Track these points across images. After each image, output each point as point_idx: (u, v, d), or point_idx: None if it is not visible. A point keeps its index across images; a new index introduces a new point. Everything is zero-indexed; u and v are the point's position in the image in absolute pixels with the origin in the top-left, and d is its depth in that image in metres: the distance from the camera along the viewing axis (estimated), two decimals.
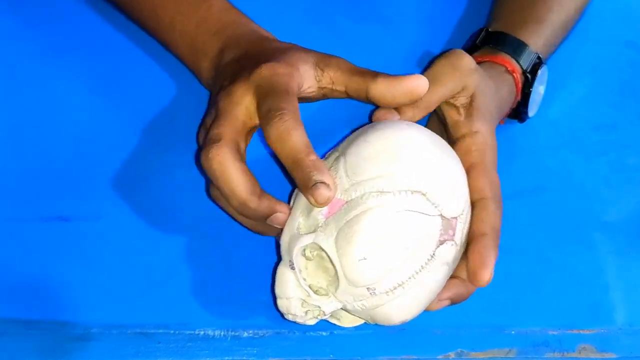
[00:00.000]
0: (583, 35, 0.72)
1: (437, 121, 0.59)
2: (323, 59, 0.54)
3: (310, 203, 0.48)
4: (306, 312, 0.50)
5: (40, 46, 0.65)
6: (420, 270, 0.48)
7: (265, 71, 0.51)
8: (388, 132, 0.50)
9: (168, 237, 0.58)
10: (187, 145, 0.61)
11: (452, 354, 0.56)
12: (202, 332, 0.55)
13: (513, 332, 0.57)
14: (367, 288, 0.47)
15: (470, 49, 0.63)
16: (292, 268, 0.49)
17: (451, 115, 0.56)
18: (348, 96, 0.54)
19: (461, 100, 0.56)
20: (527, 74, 0.62)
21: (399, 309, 0.49)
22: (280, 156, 0.48)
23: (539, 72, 0.63)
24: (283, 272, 0.50)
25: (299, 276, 0.49)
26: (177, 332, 0.54)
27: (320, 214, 0.48)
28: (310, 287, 0.49)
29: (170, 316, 0.55)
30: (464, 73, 0.55)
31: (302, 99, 0.54)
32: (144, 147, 0.61)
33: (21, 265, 0.56)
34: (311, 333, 0.55)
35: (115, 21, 0.66)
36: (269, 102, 0.49)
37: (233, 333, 0.55)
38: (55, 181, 0.59)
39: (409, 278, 0.48)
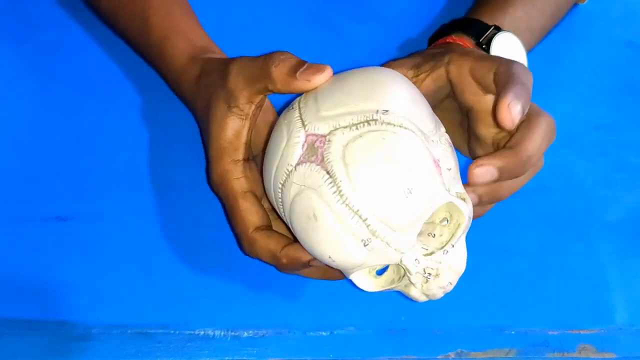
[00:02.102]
0: (583, 35, 0.72)
1: (451, 115, 0.58)
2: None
3: None
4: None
5: (39, 47, 0.65)
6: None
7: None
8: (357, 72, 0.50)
9: (168, 237, 0.58)
10: (187, 145, 0.61)
11: (452, 354, 0.56)
12: (202, 332, 0.55)
13: (513, 332, 0.57)
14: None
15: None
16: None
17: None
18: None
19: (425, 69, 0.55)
20: (483, 45, 0.61)
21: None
22: None
23: (494, 39, 0.60)
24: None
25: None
26: (177, 332, 0.54)
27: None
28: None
29: (170, 316, 0.55)
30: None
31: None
32: (143, 147, 0.61)
33: (21, 265, 0.56)
34: (311, 333, 0.55)
35: None
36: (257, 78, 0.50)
37: (233, 333, 0.55)
38: (55, 181, 0.59)
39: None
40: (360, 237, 0.45)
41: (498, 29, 0.61)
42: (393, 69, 0.55)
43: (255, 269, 0.57)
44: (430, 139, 0.47)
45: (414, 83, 0.54)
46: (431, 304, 0.56)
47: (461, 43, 0.60)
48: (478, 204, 0.51)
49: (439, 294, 0.49)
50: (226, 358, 0.54)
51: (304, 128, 0.47)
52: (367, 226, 0.45)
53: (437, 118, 0.51)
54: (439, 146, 0.48)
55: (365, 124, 0.45)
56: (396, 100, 0.47)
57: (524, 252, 0.60)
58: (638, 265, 0.62)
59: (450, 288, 0.49)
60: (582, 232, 0.62)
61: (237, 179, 0.51)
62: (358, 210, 0.44)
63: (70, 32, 0.66)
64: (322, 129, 0.46)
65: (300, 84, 0.49)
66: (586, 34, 0.72)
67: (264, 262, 0.51)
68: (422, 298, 0.50)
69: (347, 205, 0.44)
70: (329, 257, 0.46)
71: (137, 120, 0.62)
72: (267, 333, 0.55)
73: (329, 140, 0.46)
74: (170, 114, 0.62)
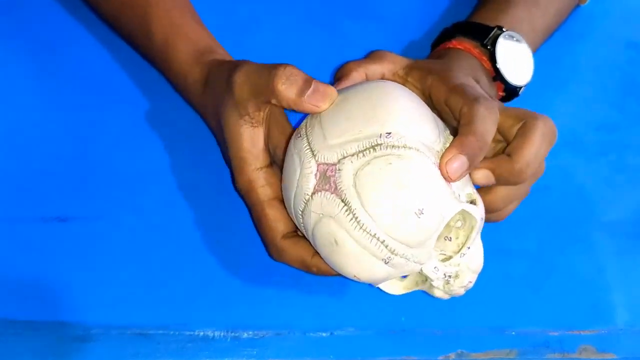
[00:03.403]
0: (583, 35, 0.72)
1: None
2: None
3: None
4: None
5: (38, 46, 0.65)
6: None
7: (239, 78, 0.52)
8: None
9: (168, 237, 0.58)
10: (187, 146, 0.61)
11: (452, 355, 0.56)
12: (202, 333, 0.55)
13: (513, 332, 0.57)
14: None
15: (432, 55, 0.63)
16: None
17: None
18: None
19: (400, 73, 0.56)
20: (488, 47, 0.60)
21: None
22: None
23: (499, 39, 0.60)
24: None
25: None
26: (176, 333, 0.54)
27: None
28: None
29: (170, 317, 0.55)
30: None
31: None
32: (143, 147, 0.61)
33: (21, 265, 0.56)
34: (311, 334, 0.55)
35: None
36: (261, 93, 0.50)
37: (233, 334, 0.55)
38: (55, 181, 0.59)
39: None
40: (380, 257, 0.47)
41: (501, 29, 0.61)
42: (388, 60, 0.57)
43: (255, 269, 0.57)
44: (435, 149, 0.48)
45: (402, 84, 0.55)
46: (431, 304, 0.56)
47: (462, 48, 0.60)
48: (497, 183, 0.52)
49: (460, 292, 0.51)
50: (226, 359, 0.54)
51: (314, 158, 0.48)
52: (386, 247, 0.47)
53: (439, 120, 0.51)
54: None
55: (371, 149, 0.47)
56: (397, 119, 0.48)
57: (524, 252, 0.60)
58: (638, 265, 0.62)
59: (470, 285, 0.51)
60: (582, 232, 0.62)
61: (262, 187, 0.52)
62: (375, 234, 0.47)
63: (71, 30, 0.66)
64: (331, 157, 0.48)
65: (308, 107, 0.50)
66: (586, 34, 0.72)
67: (292, 267, 0.53)
68: (446, 297, 0.52)
69: (364, 230, 0.47)
70: (354, 276, 0.49)
71: (137, 119, 0.62)
72: (267, 334, 0.55)
73: (339, 169, 0.47)
74: (171, 113, 0.62)
